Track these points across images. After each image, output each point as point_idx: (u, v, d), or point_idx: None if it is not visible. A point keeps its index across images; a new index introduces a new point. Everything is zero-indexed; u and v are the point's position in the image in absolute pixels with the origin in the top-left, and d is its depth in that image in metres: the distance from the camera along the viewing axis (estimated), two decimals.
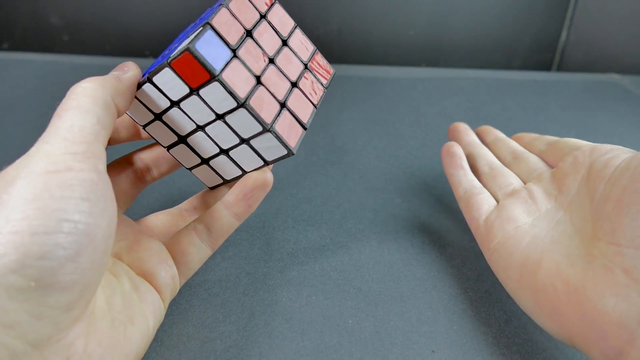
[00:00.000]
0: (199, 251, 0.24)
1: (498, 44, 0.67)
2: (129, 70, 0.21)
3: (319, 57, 0.26)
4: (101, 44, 0.67)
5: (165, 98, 0.21)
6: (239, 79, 0.20)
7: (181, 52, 0.19)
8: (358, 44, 0.65)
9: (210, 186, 0.26)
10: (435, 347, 0.22)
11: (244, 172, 0.24)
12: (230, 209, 0.24)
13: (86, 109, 0.18)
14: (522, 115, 0.47)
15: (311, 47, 0.25)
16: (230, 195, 0.24)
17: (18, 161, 0.17)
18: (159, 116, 0.23)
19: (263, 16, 0.23)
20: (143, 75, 0.22)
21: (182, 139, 0.23)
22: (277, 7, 0.24)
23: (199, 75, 0.20)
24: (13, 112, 0.46)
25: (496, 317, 0.24)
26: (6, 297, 0.14)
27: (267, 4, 0.23)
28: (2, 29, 0.67)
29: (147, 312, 0.20)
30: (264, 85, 0.21)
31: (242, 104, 0.20)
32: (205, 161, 0.24)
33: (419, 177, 0.37)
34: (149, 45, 0.67)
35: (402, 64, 0.64)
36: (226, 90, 0.20)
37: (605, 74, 0.62)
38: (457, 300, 0.25)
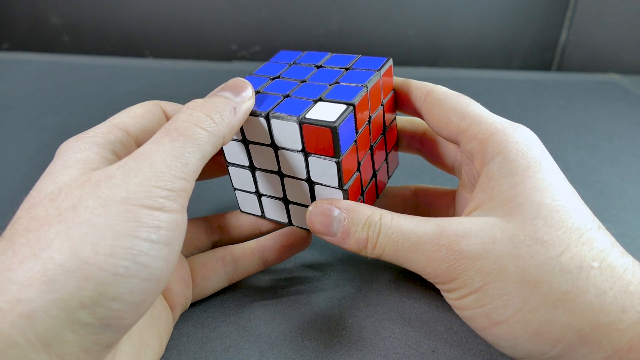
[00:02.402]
0: (218, 280, 0.24)
1: (498, 44, 0.67)
2: (246, 99, 0.20)
3: (395, 152, 0.27)
4: (101, 44, 0.67)
5: (269, 137, 0.21)
6: (349, 164, 0.21)
7: (322, 124, 0.19)
8: (358, 44, 0.65)
9: (244, 210, 0.26)
10: (435, 347, 0.22)
11: (290, 223, 0.24)
12: (263, 253, 0.24)
13: (199, 143, 0.17)
14: (522, 115, 0.47)
15: (396, 138, 0.26)
16: (268, 241, 0.24)
17: (110, 170, 0.16)
18: (246, 141, 0.22)
19: (381, 104, 0.23)
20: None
21: (252, 168, 0.23)
22: (392, 96, 0.24)
23: (321, 148, 0.20)
24: (13, 112, 0.46)
25: None
26: (69, 329, 0.14)
27: (388, 93, 0.24)
28: (2, 29, 0.67)
29: (161, 332, 0.20)
30: (360, 173, 0.22)
31: (342, 189, 0.21)
32: (259, 195, 0.24)
33: (419, 177, 0.37)
34: (149, 45, 0.67)
35: (402, 64, 0.64)
36: (337, 172, 0.20)
37: (605, 74, 0.62)
38: None
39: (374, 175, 0.24)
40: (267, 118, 0.20)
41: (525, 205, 0.18)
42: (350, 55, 0.24)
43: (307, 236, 0.25)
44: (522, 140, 0.20)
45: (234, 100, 0.19)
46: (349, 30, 0.64)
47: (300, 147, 0.20)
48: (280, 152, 0.21)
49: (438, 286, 0.19)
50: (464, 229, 0.18)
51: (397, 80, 0.25)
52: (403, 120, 0.27)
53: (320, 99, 0.20)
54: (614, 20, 0.63)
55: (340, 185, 0.21)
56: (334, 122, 0.19)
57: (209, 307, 0.24)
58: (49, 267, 0.14)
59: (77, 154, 0.17)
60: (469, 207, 0.20)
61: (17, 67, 0.56)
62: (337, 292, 0.26)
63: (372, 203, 0.24)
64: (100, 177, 0.16)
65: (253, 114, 0.20)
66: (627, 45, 0.64)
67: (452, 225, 0.18)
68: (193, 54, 0.67)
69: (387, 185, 0.27)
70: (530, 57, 0.68)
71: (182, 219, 0.16)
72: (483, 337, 0.19)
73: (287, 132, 0.20)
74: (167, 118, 0.22)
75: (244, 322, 0.23)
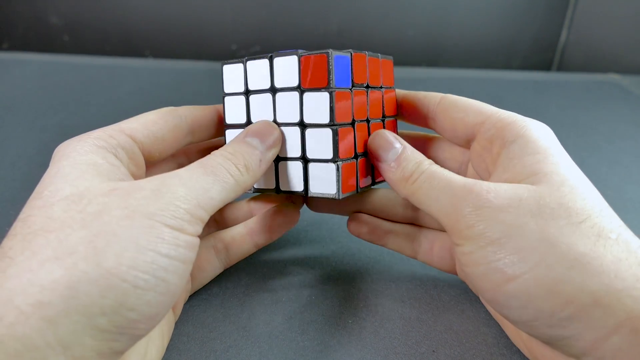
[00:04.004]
0: (213, 269, 0.25)
1: (498, 44, 0.67)
2: (272, 146, 0.21)
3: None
4: (101, 44, 0.67)
5: (269, 80, 0.22)
6: (342, 106, 0.21)
7: (318, 52, 0.20)
8: (358, 44, 0.65)
9: None
10: (435, 347, 0.22)
11: (277, 188, 0.24)
12: (253, 237, 0.25)
13: (226, 187, 0.18)
14: (522, 115, 0.47)
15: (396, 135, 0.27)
16: (256, 224, 0.25)
17: (137, 185, 0.16)
18: (247, 92, 0.23)
19: (381, 87, 0.24)
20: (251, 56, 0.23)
21: (249, 125, 0.23)
22: (393, 95, 0.25)
23: (316, 79, 0.21)
24: (13, 112, 0.46)
25: (493, 316, 0.24)
26: (88, 334, 0.14)
27: (387, 84, 0.25)
28: (2, 29, 0.67)
29: (164, 331, 0.21)
30: (354, 129, 0.22)
31: (331, 125, 0.21)
32: None
33: None
34: (149, 45, 0.67)
35: (402, 64, 0.64)
36: (329, 104, 0.21)
37: (605, 74, 0.62)
38: (457, 300, 0.25)
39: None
40: (271, 58, 0.22)
41: (553, 174, 0.19)
42: None
43: (293, 212, 0.25)
44: (542, 129, 0.21)
45: (260, 151, 0.20)
46: (349, 30, 0.64)
47: (297, 83, 0.21)
48: (277, 96, 0.22)
49: (454, 236, 0.19)
50: (495, 186, 0.19)
51: (402, 91, 0.25)
52: (403, 133, 0.27)
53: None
54: (614, 20, 0.63)
55: (332, 121, 0.21)
56: (329, 50, 0.20)
57: (209, 307, 0.24)
58: (73, 274, 0.14)
59: (84, 156, 0.18)
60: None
61: (17, 67, 0.56)
62: (337, 292, 0.26)
63: (365, 184, 0.24)
64: (129, 189, 0.16)
65: (258, 57, 0.22)
66: (627, 45, 0.64)
67: (485, 182, 0.19)
68: (193, 54, 0.67)
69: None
70: (530, 57, 0.68)
71: (197, 242, 0.17)
72: (493, 301, 0.18)
73: (286, 69, 0.21)
74: (188, 124, 0.23)
75: (244, 322, 0.23)
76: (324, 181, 0.22)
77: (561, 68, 0.69)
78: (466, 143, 0.23)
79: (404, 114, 0.26)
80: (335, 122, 0.21)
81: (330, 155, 0.21)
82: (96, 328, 0.14)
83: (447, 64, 0.67)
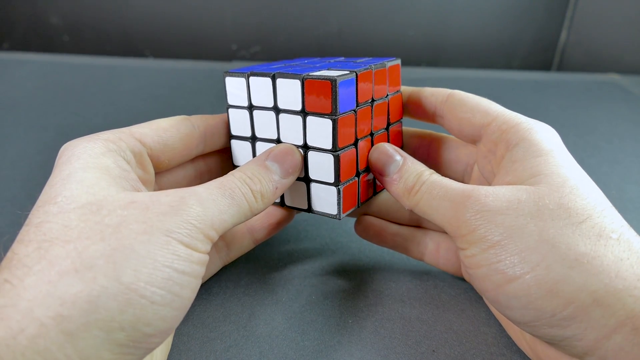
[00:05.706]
0: (214, 267, 0.25)
1: (498, 44, 0.67)
2: (290, 173, 0.21)
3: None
4: (101, 44, 0.67)
5: (272, 99, 0.22)
6: (345, 131, 0.21)
7: (323, 78, 0.20)
8: (358, 44, 0.65)
9: None
10: (435, 347, 0.22)
11: (283, 202, 0.24)
12: (253, 233, 0.25)
13: (239, 211, 0.19)
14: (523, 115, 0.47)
15: (401, 144, 0.27)
16: (256, 221, 0.25)
17: (155, 196, 0.17)
18: (250, 107, 0.23)
19: (386, 96, 0.24)
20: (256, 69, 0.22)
21: (254, 139, 0.23)
22: (399, 97, 0.25)
23: (320, 105, 0.20)
24: (13, 112, 0.46)
25: (496, 317, 0.24)
26: (107, 349, 0.14)
27: (394, 90, 0.24)
28: (2, 29, 0.67)
29: None
30: (356, 149, 0.22)
31: (334, 152, 0.21)
32: None
33: None
34: (149, 45, 0.67)
35: (402, 64, 0.64)
36: (332, 131, 0.20)
37: (605, 74, 0.62)
38: (457, 300, 0.25)
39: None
40: (273, 77, 0.21)
41: (553, 175, 0.19)
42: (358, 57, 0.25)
43: (291, 210, 0.25)
44: (546, 131, 0.21)
45: (276, 179, 0.21)
46: (349, 30, 0.64)
47: (300, 107, 0.21)
48: (280, 116, 0.22)
49: (457, 241, 0.19)
50: (494, 189, 0.19)
51: (409, 88, 0.25)
52: (410, 130, 0.27)
53: (328, 69, 0.21)
54: (614, 20, 0.63)
55: (334, 148, 0.21)
56: (335, 77, 0.20)
57: (209, 307, 0.24)
58: (93, 288, 0.14)
59: (95, 159, 0.18)
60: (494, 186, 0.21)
61: (17, 67, 0.56)
62: (337, 292, 0.26)
63: (365, 197, 0.24)
64: (148, 203, 0.16)
65: (261, 75, 0.21)
66: (627, 45, 0.64)
67: (484, 187, 0.19)
68: (193, 54, 0.67)
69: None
70: (530, 57, 0.68)
71: (207, 259, 0.17)
72: (494, 301, 0.19)
73: (289, 91, 0.21)
74: (201, 133, 0.23)
75: (244, 322, 0.23)
76: (326, 202, 0.22)
77: (561, 68, 0.69)
78: (473, 141, 0.24)
79: (410, 112, 0.26)
80: (338, 148, 0.21)
81: (331, 180, 0.21)
82: (114, 342, 0.14)
83: (447, 64, 0.68)
